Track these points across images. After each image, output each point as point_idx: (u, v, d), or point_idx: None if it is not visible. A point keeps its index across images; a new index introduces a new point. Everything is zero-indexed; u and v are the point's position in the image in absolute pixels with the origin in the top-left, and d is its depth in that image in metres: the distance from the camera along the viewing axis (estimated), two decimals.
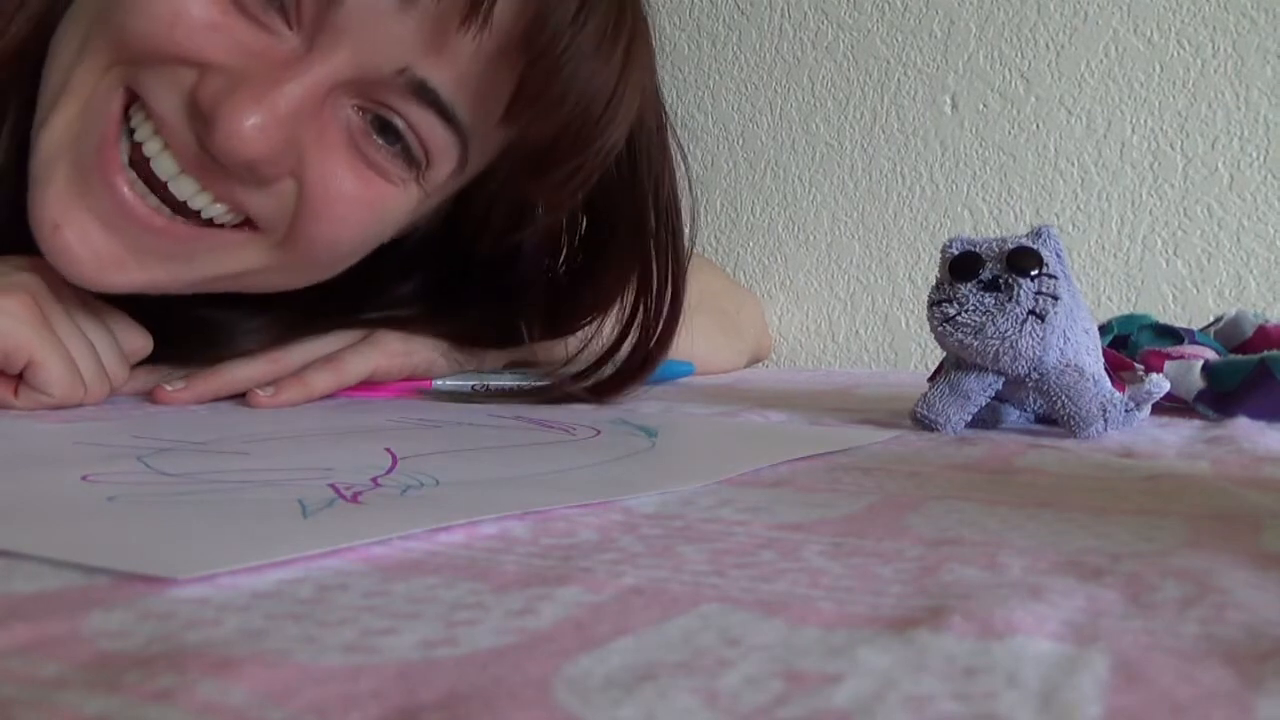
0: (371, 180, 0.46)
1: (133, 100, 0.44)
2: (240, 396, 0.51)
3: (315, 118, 0.44)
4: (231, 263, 0.47)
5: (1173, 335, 0.59)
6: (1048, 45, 0.93)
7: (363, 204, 0.47)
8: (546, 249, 0.62)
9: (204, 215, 0.45)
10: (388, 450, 0.34)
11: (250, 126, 0.41)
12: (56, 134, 0.44)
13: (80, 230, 0.44)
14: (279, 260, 0.48)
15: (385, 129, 0.45)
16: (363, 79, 0.44)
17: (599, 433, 0.40)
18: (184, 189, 0.44)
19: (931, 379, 0.47)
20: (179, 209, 0.45)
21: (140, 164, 0.44)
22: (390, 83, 0.44)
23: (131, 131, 0.44)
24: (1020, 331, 0.40)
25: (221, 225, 0.46)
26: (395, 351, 0.55)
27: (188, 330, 0.54)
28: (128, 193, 0.44)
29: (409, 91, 0.44)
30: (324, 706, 0.13)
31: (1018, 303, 0.40)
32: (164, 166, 0.44)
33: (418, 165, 0.47)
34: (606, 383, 0.55)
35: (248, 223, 0.46)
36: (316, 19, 0.43)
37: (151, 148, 0.44)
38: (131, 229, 0.44)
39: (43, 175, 0.44)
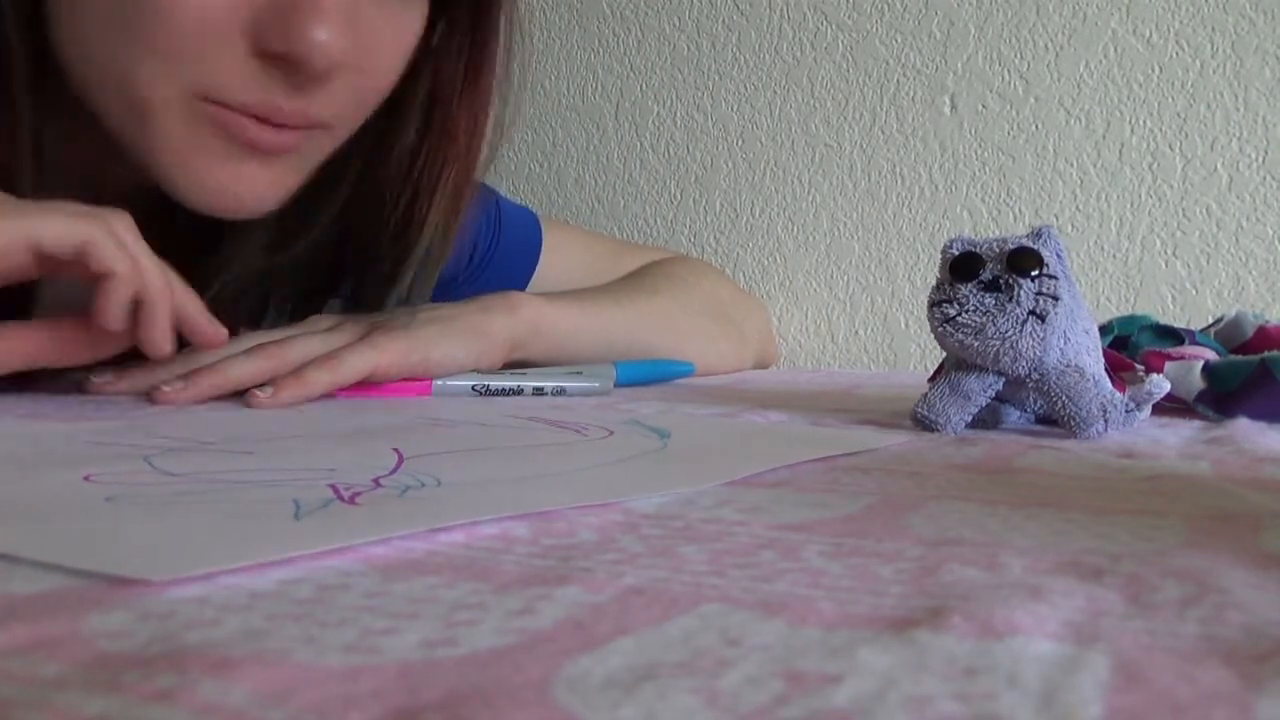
0: (399, 14, 0.51)
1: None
2: (241, 394, 0.51)
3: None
4: (325, 152, 0.54)
5: (1173, 336, 0.59)
6: (1047, 46, 0.93)
7: (400, 45, 0.52)
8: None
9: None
10: (394, 450, 0.34)
11: (326, 42, 0.46)
12: (173, 149, 0.49)
13: (241, 177, 0.50)
14: (353, 129, 0.54)
15: None
16: None
17: (611, 433, 0.40)
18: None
19: (932, 379, 0.47)
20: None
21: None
22: None
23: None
24: (1020, 332, 0.40)
25: None
26: (394, 351, 0.55)
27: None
28: (264, 134, 0.49)
29: None
30: (324, 706, 0.13)
31: (1018, 303, 0.40)
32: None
33: None
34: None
35: None
36: None
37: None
38: (277, 160, 0.51)
39: (179, 169, 0.49)
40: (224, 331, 0.50)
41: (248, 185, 0.51)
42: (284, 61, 0.47)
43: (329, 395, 0.54)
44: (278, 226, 0.60)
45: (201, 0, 0.45)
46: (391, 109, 0.57)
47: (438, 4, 0.55)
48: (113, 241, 0.44)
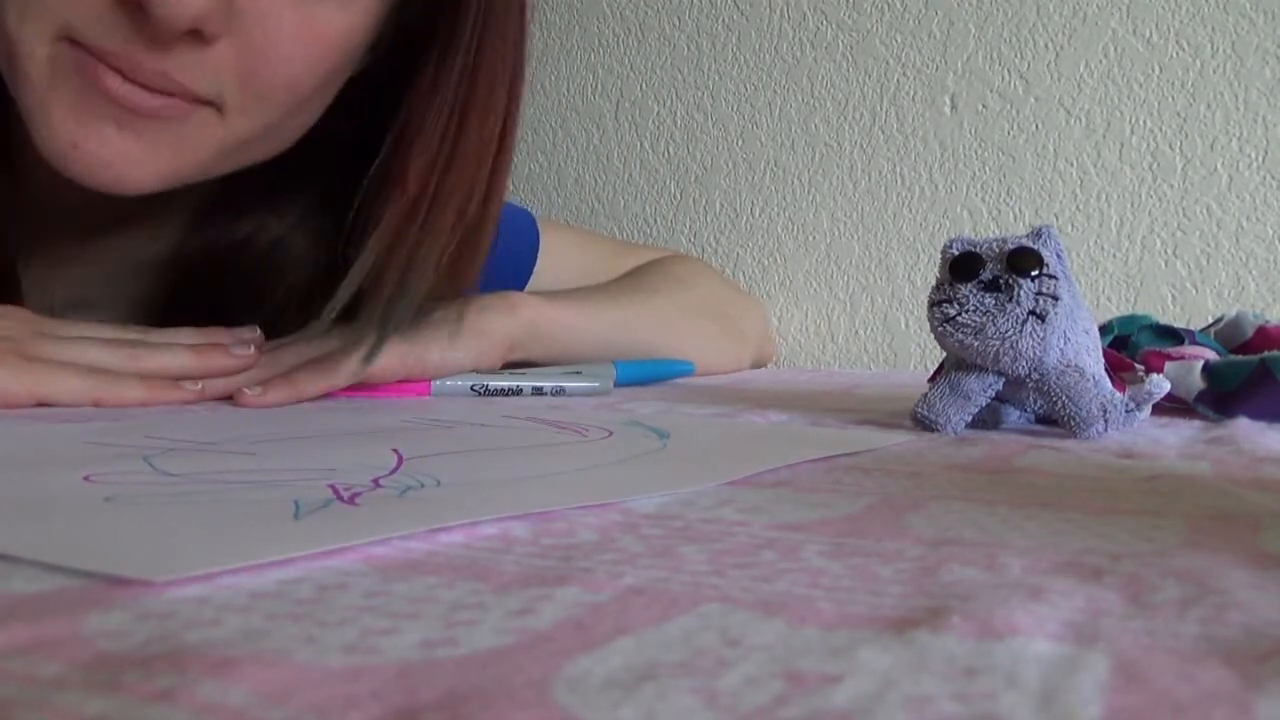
0: (310, 8, 0.47)
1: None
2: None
3: None
4: (216, 139, 0.49)
5: (1173, 336, 0.59)
6: (1047, 46, 0.93)
7: (307, 36, 0.47)
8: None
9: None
10: (394, 451, 0.34)
11: None
12: (34, 91, 0.46)
13: (98, 136, 0.46)
14: (254, 123, 0.49)
15: None
16: None
17: (611, 433, 0.40)
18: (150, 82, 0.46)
19: (932, 379, 0.47)
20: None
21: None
22: None
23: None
24: (1020, 332, 0.40)
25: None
26: (389, 353, 0.55)
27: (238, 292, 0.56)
28: (123, 87, 0.45)
29: None
30: (324, 706, 0.13)
31: (1018, 303, 0.40)
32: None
33: None
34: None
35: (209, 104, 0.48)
36: None
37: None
38: (137, 121, 0.47)
39: (40, 117, 0.47)
40: (248, 352, 0.51)
41: (115, 151, 0.47)
42: (139, 10, 0.43)
43: (326, 396, 0.54)
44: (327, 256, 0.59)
45: None
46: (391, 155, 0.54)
47: (415, 40, 0.53)
48: (115, 387, 0.47)
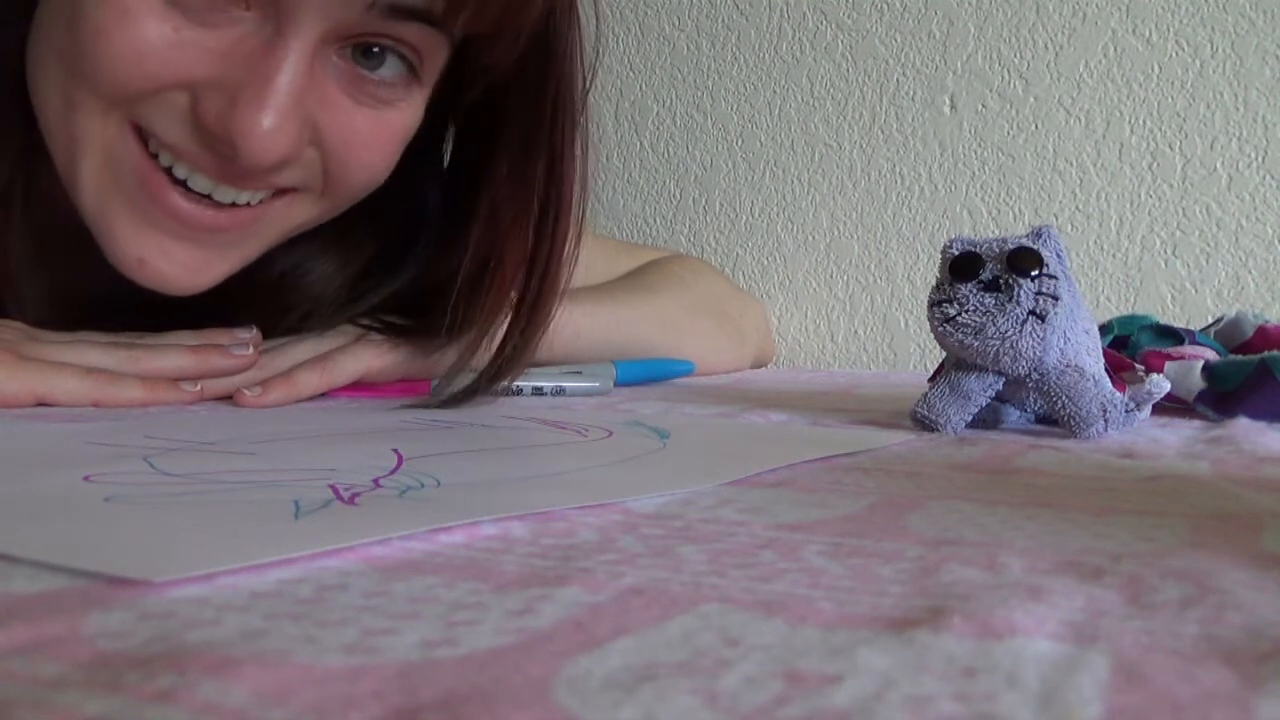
0: (379, 113, 0.49)
1: (144, 133, 0.46)
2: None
3: (312, 86, 0.45)
4: (288, 222, 0.51)
5: (1173, 336, 0.59)
6: (1046, 46, 0.93)
7: (380, 139, 0.50)
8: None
9: (251, 203, 0.49)
10: (394, 451, 0.34)
11: (267, 133, 0.43)
12: (93, 188, 0.47)
13: (161, 253, 0.48)
14: (326, 206, 0.52)
15: (370, 54, 0.47)
16: (338, 30, 0.45)
17: (611, 434, 0.40)
18: (225, 195, 0.48)
19: (932, 379, 0.47)
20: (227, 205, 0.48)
21: (179, 181, 0.47)
22: (364, 18, 0.45)
23: (155, 156, 0.47)
24: (1020, 332, 0.40)
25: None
26: (389, 352, 0.55)
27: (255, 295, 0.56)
28: (185, 205, 0.47)
29: (384, 16, 0.45)
30: (324, 706, 0.13)
31: (1018, 303, 0.40)
32: (199, 183, 0.47)
33: (414, 71, 0.49)
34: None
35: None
36: None
37: (181, 170, 0.47)
38: (200, 235, 0.48)
39: (104, 226, 0.48)
40: (247, 352, 0.52)
41: (180, 264, 0.49)
42: (229, 148, 0.44)
43: (325, 396, 0.54)
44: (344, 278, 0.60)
45: (134, 46, 0.43)
46: (448, 223, 0.56)
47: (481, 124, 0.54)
48: (114, 388, 0.47)
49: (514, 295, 0.54)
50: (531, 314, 0.53)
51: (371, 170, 0.51)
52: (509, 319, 0.53)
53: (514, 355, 0.53)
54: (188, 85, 0.44)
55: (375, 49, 0.47)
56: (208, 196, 0.47)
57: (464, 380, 0.58)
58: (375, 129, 0.49)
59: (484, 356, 0.54)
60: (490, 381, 0.53)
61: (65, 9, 0.44)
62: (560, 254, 0.53)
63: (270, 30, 0.44)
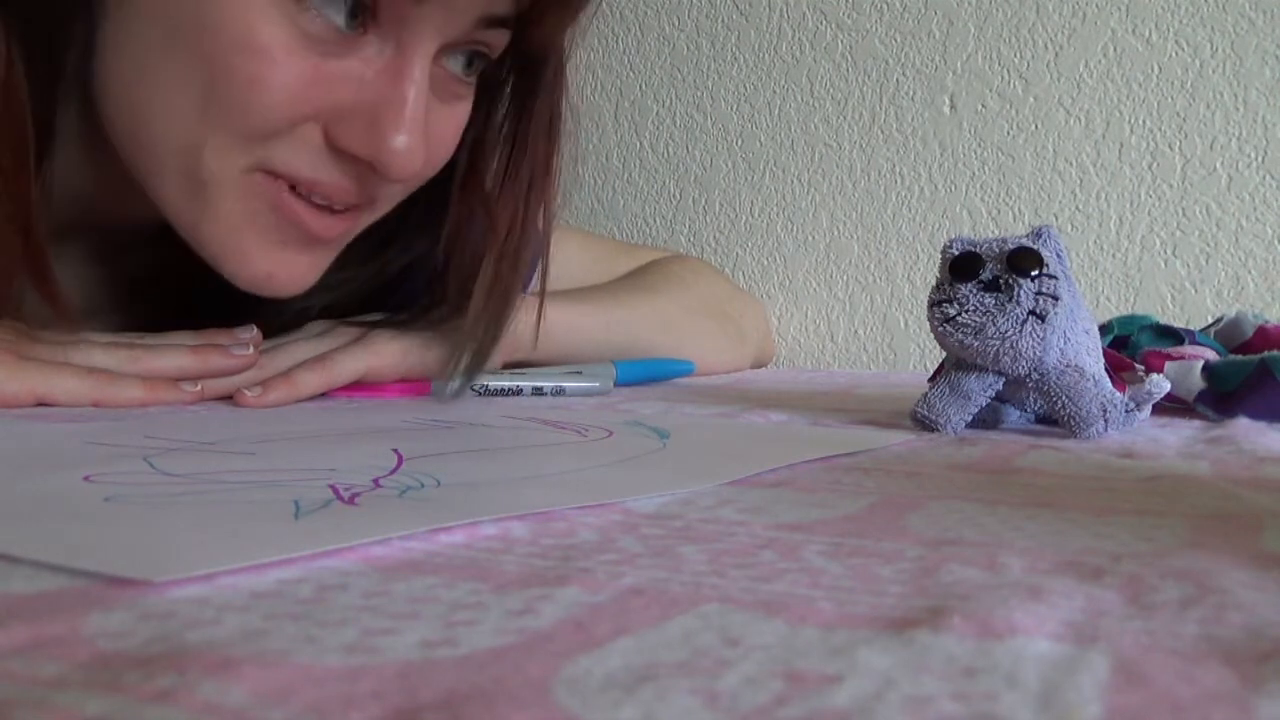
0: (453, 108, 0.51)
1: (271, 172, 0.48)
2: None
3: (430, 97, 0.48)
4: (375, 214, 0.53)
5: (1173, 336, 0.59)
6: (1046, 46, 0.93)
7: (454, 131, 0.52)
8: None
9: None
10: (394, 451, 0.34)
11: (410, 150, 0.46)
12: (225, 224, 0.48)
13: (286, 265, 0.50)
14: (399, 195, 0.53)
15: (461, 59, 0.49)
16: (448, 43, 0.47)
17: (611, 434, 0.40)
18: (340, 201, 0.50)
19: (932, 379, 0.47)
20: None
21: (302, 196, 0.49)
22: (470, 31, 0.47)
23: (291, 185, 0.48)
24: (1020, 332, 0.40)
25: None
26: (388, 352, 0.55)
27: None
28: (319, 221, 0.49)
29: (485, 26, 0.47)
30: (324, 706, 0.13)
31: (1018, 303, 0.40)
32: (318, 195, 0.49)
33: (485, 63, 0.51)
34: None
35: None
36: (394, 17, 0.45)
37: (319, 199, 0.48)
38: (322, 245, 0.51)
39: (231, 252, 0.49)
40: (247, 353, 0.52)
41: (296, 273, 0.51)
42: (362, 164, 0.47)
43: (325, 396, 0.54)
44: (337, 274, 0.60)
45: (286, 87, 0.44)
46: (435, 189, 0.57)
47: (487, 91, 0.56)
48: (114, 388, 0.47)
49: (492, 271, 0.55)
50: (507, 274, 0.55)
51: (444, 160, 0.52)
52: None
53: (491, 322, 0.55)
54: (320, 115, 0.46)
55: (476, 58, 0.50)
56: (327, 207, 0.49)
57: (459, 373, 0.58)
58: (453, 123, 0.51)
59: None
60: (477, 356, 0.55)
61: (189, 58, 0.44)
62: (532, 226, 0.56)
63: (391, 50, 0.46)
